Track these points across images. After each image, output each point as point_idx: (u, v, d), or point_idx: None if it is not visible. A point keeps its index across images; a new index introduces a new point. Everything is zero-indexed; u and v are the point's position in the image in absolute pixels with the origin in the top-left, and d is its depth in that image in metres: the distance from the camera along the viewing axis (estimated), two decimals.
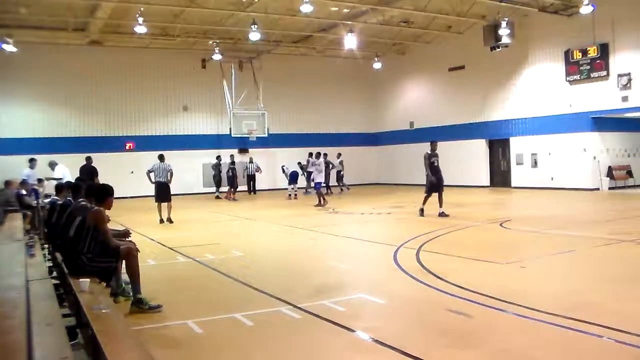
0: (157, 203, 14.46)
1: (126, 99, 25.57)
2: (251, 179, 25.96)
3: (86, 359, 3.56)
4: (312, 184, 18.65)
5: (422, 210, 13.90)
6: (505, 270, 7.50)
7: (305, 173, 25.28)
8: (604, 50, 19.83)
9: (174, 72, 26.15)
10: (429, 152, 13.95)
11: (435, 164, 13.83)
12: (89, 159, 17.27)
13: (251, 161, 25.80)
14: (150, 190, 14.94)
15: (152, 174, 14.52)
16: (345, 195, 23.45)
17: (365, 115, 31.28)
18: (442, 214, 13.46)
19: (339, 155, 25.58)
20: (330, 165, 23.46)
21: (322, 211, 16.58)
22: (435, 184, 13.81)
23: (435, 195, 13.81)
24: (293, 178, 22.72)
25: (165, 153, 15.47)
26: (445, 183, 14.08)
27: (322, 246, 10.61)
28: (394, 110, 30.34)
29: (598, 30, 19.75)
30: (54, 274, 6.19)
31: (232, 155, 24.49)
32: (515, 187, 23.27)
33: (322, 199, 17.72)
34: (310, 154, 22.64)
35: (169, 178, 14.42)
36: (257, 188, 26.25)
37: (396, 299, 6.19)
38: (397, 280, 7.06)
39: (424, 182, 14.07)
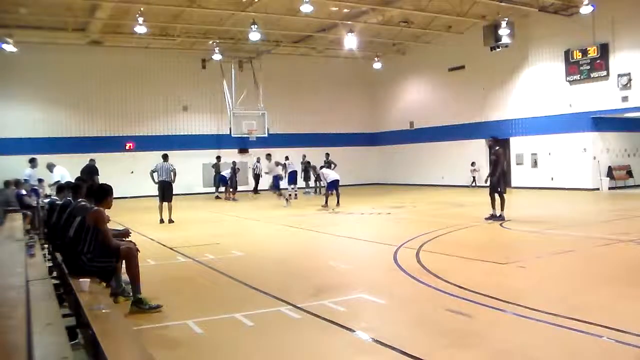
0: (160, 203, 14.47)
1: (126, 99, 25.58)
2: (257, 178, 25.88)
3: (86, 359, 3.56)
4: (324, 184, 18.54)
5: (494, 215, 12.60)
6: (505, 270, 7.50)
7: (303, 173, 25.31)
8: (604, 50, 19.83)
9: (174, 72, 26.15)
10: (498, 148, 12.97)
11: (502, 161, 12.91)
12: (91, 161, 17.47)
13: (259, 160, 25.48)
14: (152, 190, 14.91)
15: (155, 174, 14.54)
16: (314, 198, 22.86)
17: (365, 115, 31.28)
18: (501, 217, 12.54)
19: (304, 156, 25.43)
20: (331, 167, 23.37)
21: (322, 211, 16.58)
22: (498, 182, 12.67)
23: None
24: (292, 178, 22.68)
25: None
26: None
27: (322, 246, 10.61)
28: (394, 110, 30.33)
29: (598, 30, 19.75)
30: (54, 274, 6.19)
31: (234, 162, 24.49)
32: (515, 187, 23.25)
33: (326, 199, 17.67)
34: (327, 155, 22.63)
35: (172, 177, 14.44)
36: (260, 188, 26.22)
37: (396, 299, 6.19)
38: (397, 280, 7.06)
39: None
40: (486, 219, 12.64)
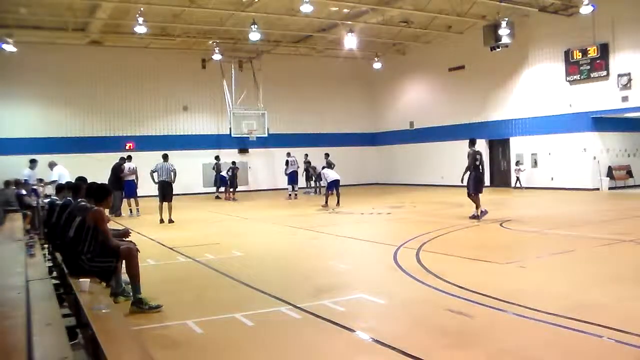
0: (160, 203, 14.46)
1: (126, 99, 25.58)
2: (307, 175, 25.42)
3: (86, 359, 3.56)
4: (324, 184, 18.51)
5: (485, 212, 12.84)
6: (505, 270, 7.50)
7: (304, 173, 25.29)
8: (604, 50, 19.82)
9: (174, 72, 26.15)
10: (475, 149, 13.33)
11: (478, 163, 13.29)
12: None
13: (306, 156, 25.00)
14: (151, 190, 14.88)
15: (155, 174, 14.53)
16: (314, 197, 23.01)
17: (365, 115, 31.28)
18: (477, 215, 12.87)
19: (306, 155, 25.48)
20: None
21: (322, 211, 16.58)
22: (481, 182, 13.20)
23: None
24: (292, 178, 22.67)
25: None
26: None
27: (322, 246, 10.61)
28: (394, 110, 30.33)
29: (598, 30, 19.75)
30: (54, 274, 6.19)
31: (234, 162, 24.43)
32: (515, 187, 23.24)
33: (326, 199, 17.69)
34: (327, 155, 22.65)
35: (172, 178, 14.44)
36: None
37: (396, 299, 6.19)
38: (397, 280, 7.06)
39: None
40: (479, 218, 12.77)
